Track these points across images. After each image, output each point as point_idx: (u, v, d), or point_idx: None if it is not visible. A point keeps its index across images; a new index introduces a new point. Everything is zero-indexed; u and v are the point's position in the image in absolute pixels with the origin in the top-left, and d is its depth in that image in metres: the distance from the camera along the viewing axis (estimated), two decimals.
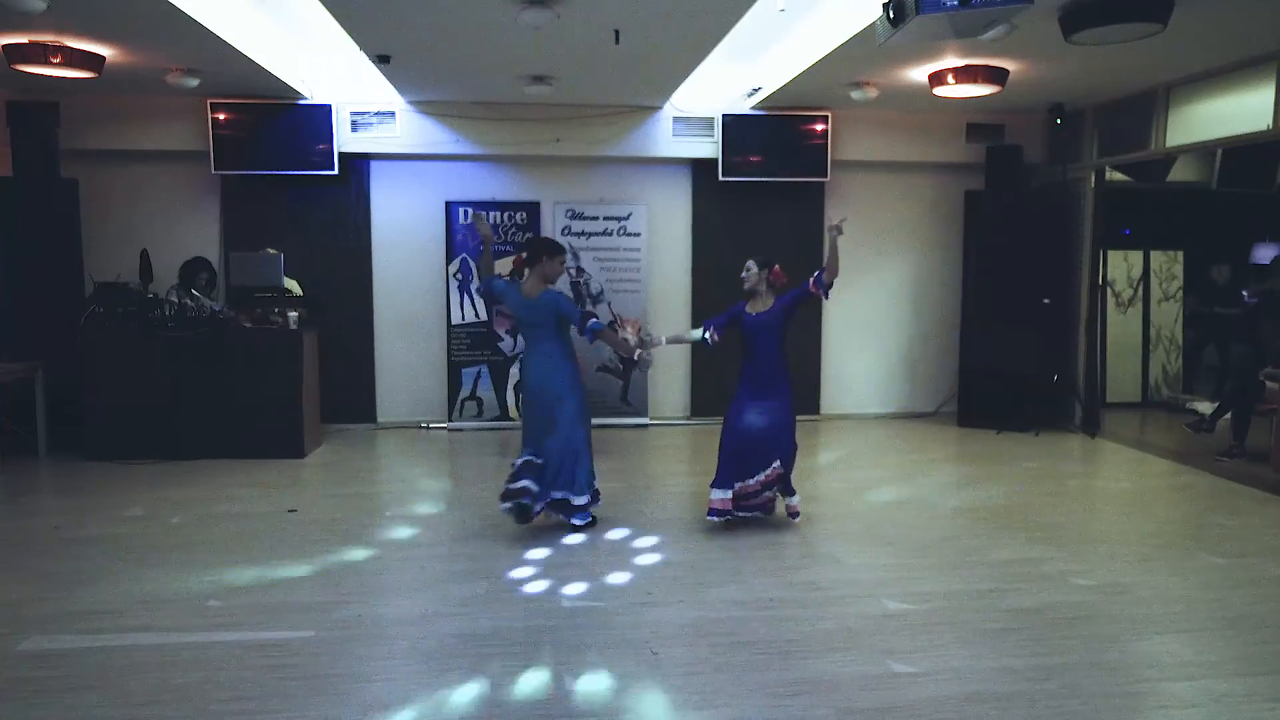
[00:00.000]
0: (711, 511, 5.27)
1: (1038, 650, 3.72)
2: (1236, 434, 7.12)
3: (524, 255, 5.28)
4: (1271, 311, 7.91)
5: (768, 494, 5.37)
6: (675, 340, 5.95)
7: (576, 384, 5.29)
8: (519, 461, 5.22)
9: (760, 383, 5.32)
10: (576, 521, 5.30)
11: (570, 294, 8.63)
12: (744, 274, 5.33)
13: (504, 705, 3.26)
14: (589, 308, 8.67)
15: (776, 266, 5.33)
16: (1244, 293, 7.96)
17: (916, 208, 9.23)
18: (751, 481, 5.31)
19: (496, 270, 5.39)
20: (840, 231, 5.12)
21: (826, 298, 5.35)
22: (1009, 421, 8.43)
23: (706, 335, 5.45)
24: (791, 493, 5.43)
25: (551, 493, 5.24)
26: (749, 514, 5.38)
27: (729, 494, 5.25)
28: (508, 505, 5.17)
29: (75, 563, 4.76)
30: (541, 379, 5.22)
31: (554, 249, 5.27)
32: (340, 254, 8.52)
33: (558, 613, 4.12)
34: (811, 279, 5.22)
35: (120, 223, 8.19)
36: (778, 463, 5.30)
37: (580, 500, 5.27)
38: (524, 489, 5.14)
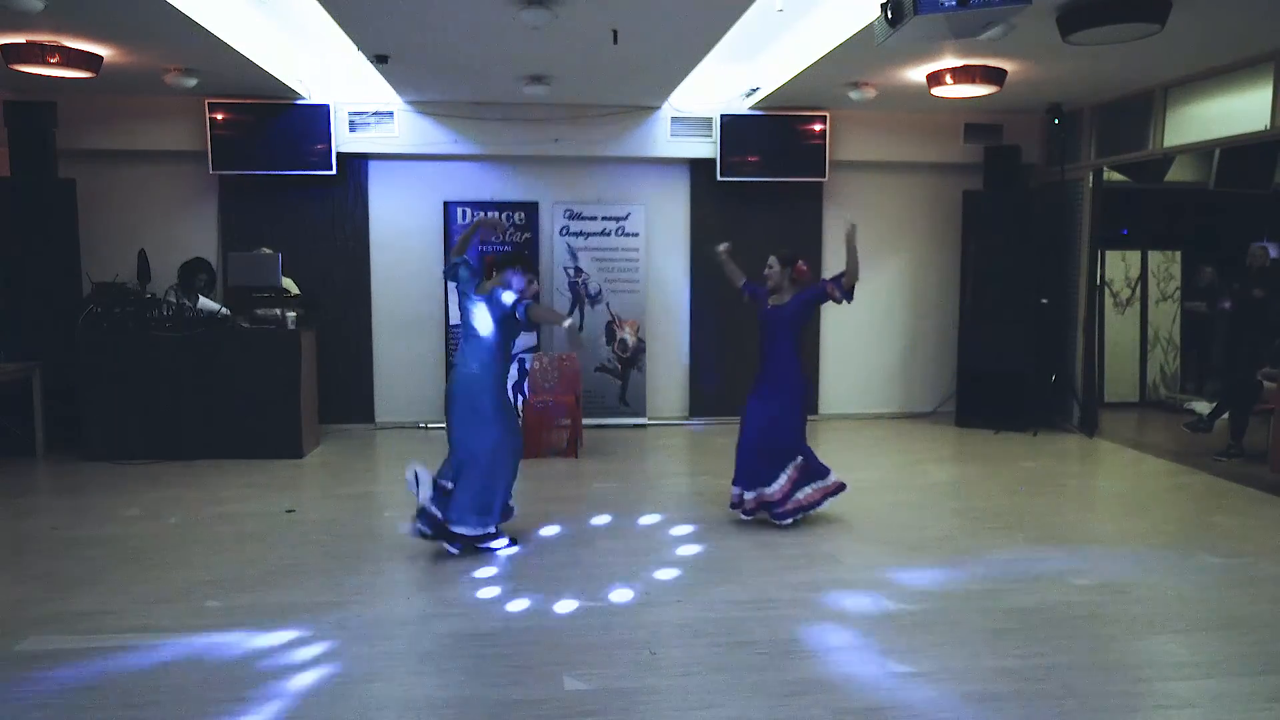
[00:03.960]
0: (732, 504, 5.43)
1: (1036, 650, 3.72)
2: (1234, 434, 7.13)
3: (497, 259, 5.07)
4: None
5: (801, 495, 5.34)
6: (731, 268, 5.65)
7: (504, 408, 4.98)
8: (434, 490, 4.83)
9: (771, 380, 5.39)
10: (453, 550, 4.84)
11: (570, 295, 8.65)
12: (766, 270, 5.41)
13: (502, 705, 3.26)
14: (587, 307, 8.68)
15: (800, 263, 5.41)
16: (1254, 291, 7.93)
17: (914, 208, 9.24)
18: (771, 490, 5.31)
19: (466, 258, 5.02)
20: (854, 227, 5.24)
21: (849, 301, 5.39)
22: (1007, 421, 8.44)
23: (745, 289, 5.57)
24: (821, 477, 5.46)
25: (445, 514, 4.83)
26: (781, 520, 5.33)
27: (749, 494, 5.34)
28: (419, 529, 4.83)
29: (73, 563, 4.75)
30: (469, 383, 4.88)
31: (525, 263, 5.04)
32: (338, 254, 8.51)
33: (556, 613, 4.11)
34: (830, 281, 5.30)
35: (118, 223, 8.18)
36: (794, 464, 5.33)
37: (462, 530, 4.83)
38: (425, 513, 4.81)
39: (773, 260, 5.41)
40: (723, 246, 5.62)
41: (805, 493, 5.37)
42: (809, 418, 8.99)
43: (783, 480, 5.30)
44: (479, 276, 5.03)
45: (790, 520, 5.32)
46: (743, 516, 5.41)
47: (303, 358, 7.27)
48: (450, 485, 4.87)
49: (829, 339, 9.23)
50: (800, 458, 5.35)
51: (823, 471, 5.45)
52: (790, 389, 5.38)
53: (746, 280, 5.62)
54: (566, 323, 4.95)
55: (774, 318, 5.37)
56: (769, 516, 5.34)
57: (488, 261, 5.20)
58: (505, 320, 4.88)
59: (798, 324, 5.39)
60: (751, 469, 5.34)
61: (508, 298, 4.84)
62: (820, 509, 5.50)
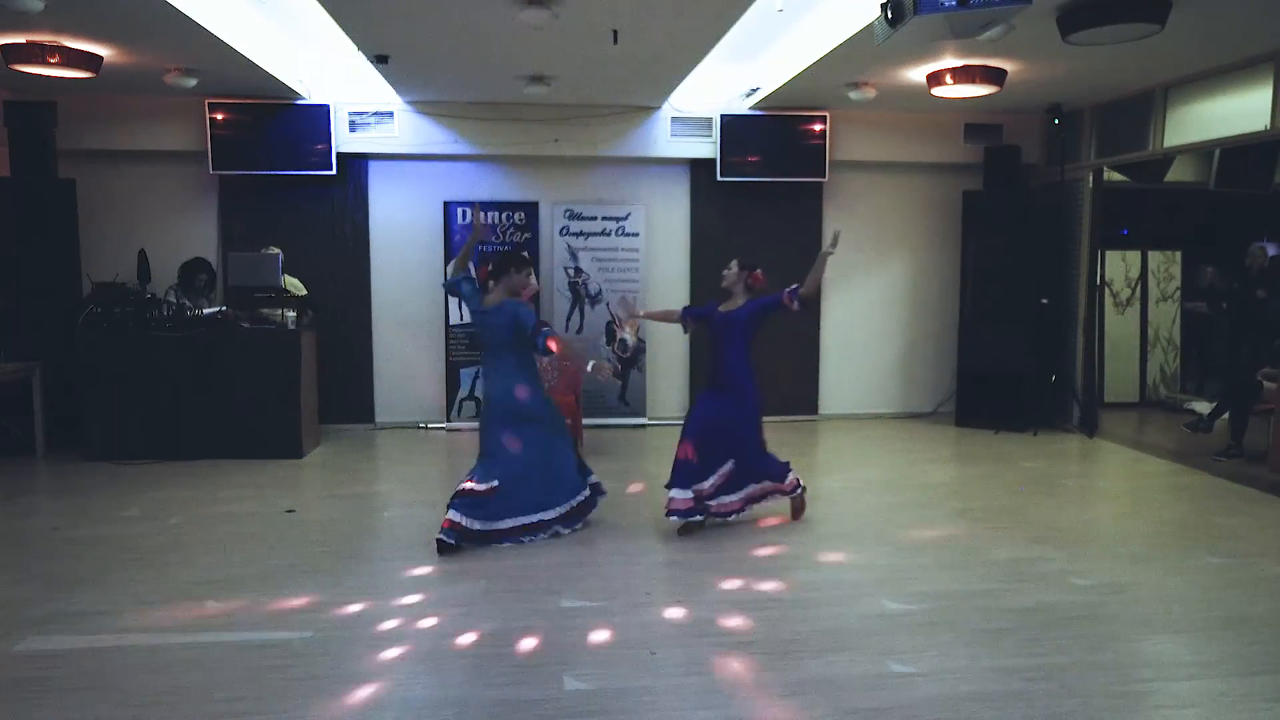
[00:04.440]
0: (670, 511, 5.19)
1: (1036, 650, 3.72)
2: (1234, 434, 7.13)
3: (490, 268, 5.17)
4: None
5: (728, 499, 5.29)
6: (656, 316, 6.00)
7: (541, 400, 5.17)
8: (472, 485, 4.98)
9: (720, 384, 5.33)
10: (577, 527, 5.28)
11: (569, 295, 8.65)
12: (725, 271, 5.41)
13: (502, 705, 3.26)
14: (587, 307, 8.69)
15: (758, 271, 5.34)
16: (1258, 291, 7.95)
17: (914, 208, 9.24)
18: (705, 484, 5.23)
19: (469, 272, 5.27)
20: (833, 251, 5.14)
21: (800, 310, 5.26)
22: (1007, 421, 8.44)
23: (684, 316, 5.59)
24: (792, 491, 5.50)
25: (532, 516, 5.08)
26: (717, 516, 5.33)
27: (687, 494, 5.19)
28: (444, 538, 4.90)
29: (73, 563, 4.75)
30: (504, 397, 5.07)
31: (520, 262, 5.17)
32: (338, 254, 8.51)
33: (556, 613, 4.11)
34: (787, 291, 5.19)
35: (118, 223, 8.18)
36: (731, 464, 5.26)
37: (579, 499, 5.26)
38: (455, 524, 4.90)
39: (733, 264, 5.35)
40: (626, 333, 5.58)
41: (734, 497, 5.31)
42: (809, 418, 9.12)
43: (713, 479, 5.23)
44: (480, 288, 5.18)
45: (727, 518, 5.34)
46: (675, 520, 5.20)
47: (303, 358, 7.27)
48: (481, 486, 4.97)
49: (829, 339, 9.23)
50: (731, 462, 5.25)
51: (760, 475, 5.37)
52: (743, 396, 5.27)
53: (682, 310, 5.65)
54: (590, 366, 5.22)
55: (726, 323, 5.28)
56: (695, 512, 5.22)
57: (482, 273, 5.29)
58: (520, 332, 5.01)
59: (750, 331, 5.27)
60: (685, 468, 5.21)
61: (526, 318, 4.99)
62: (800, 510, 5.55)
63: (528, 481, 5.06)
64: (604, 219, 8.67)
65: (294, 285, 7.67)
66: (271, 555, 4.90)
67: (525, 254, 5.29)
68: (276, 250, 7.43)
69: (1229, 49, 6.40)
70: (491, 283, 5.15)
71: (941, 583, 4.50)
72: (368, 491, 6.50)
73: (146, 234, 8.03)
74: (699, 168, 8.80)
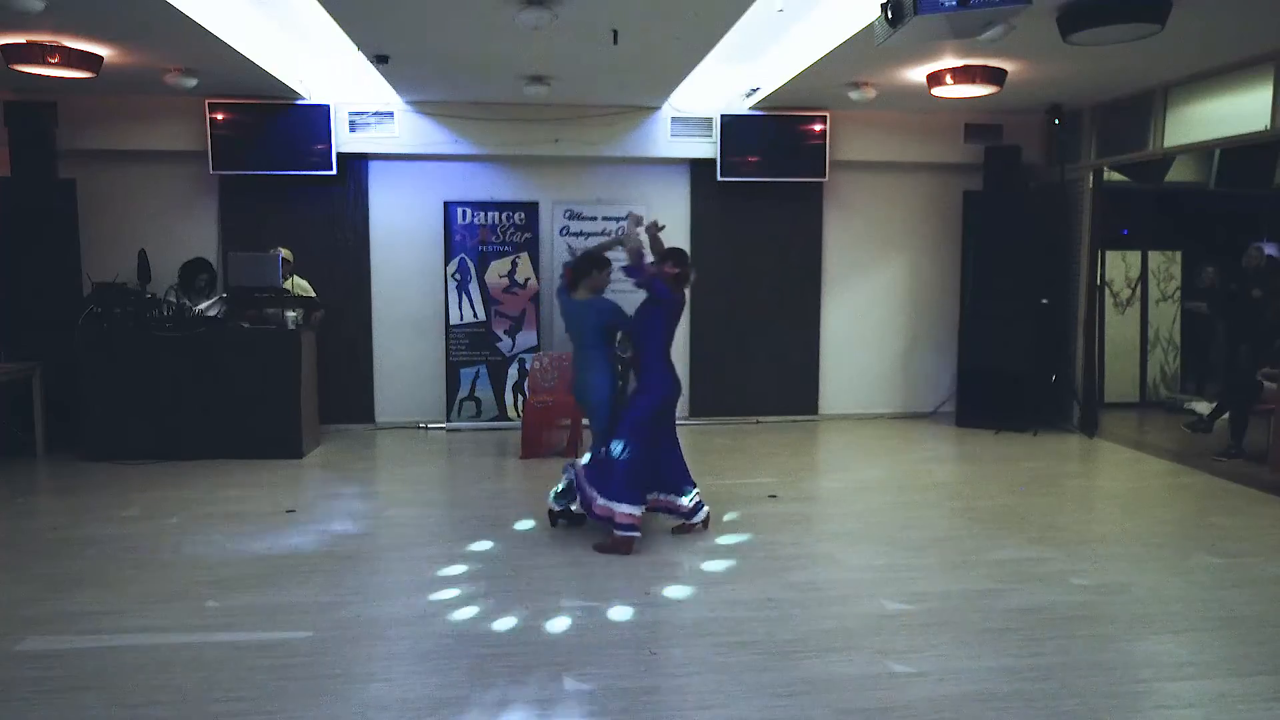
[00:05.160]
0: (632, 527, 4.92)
1: (1036, 650, 3.72)
2: (1234, 434, 7.13)
3: (572, 271, 5.36)
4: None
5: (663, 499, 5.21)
6: (649, 244, 5.48)
7: (607, 396, 5.23)
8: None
9: (638, 381, 5.27)
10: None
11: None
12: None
13: (502, 706, 3.26)
14: None
15: (668, 264, 5.19)
16: (1253, 291, 7.95)
17: (915, 208, 9.24)
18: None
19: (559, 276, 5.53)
20: (639, 223, 5.29)
21: (638, 276, 5.11)
22: (1007, 422, 8.44)
23: (631, 267, 5.29)
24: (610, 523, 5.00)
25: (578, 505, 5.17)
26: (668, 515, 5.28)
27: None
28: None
29: (73, 563, 4.75)
30: (580, 387, 5.35)
31: (601, 263, 5.38)
32: (338, 254, 8.50)
33: (556, 613, 4.11)
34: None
35: (118, 223, 8.17)
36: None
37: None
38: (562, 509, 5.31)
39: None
40: None
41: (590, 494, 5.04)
42: (810, 418, 9.11)
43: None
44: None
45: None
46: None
47: (303, 358, 7.27)
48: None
49: (829, 339, 9.23)
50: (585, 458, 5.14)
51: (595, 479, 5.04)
52: (644, 388, 5.15)
53: (644, 266, 5.29)
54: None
55: (639, 314, 5.27)
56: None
57: (567, 275, 5.37)
58: (607, 329, 5.27)
59: (650, 325, 5.19)
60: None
61: (623, 326, 5.32)
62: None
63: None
64: (604, 219, 8.67)
65: (302, 287, 7.67)
66: (272, 555, 4.90)
67: (606, 256, 5.46)
68: (282, 250, 7.43)
69: (1229, 49, 6.40)
70: (581, 281, 5.35)
71: (941, 583, 4.50)
72: (368, 491, 6.51)
73: (146, 234, 8.02)
74: (699, 168, 8.79)
